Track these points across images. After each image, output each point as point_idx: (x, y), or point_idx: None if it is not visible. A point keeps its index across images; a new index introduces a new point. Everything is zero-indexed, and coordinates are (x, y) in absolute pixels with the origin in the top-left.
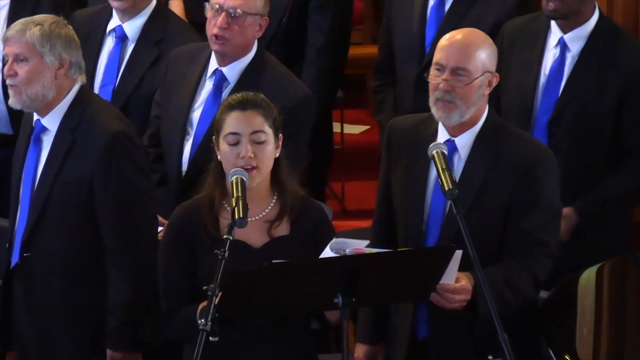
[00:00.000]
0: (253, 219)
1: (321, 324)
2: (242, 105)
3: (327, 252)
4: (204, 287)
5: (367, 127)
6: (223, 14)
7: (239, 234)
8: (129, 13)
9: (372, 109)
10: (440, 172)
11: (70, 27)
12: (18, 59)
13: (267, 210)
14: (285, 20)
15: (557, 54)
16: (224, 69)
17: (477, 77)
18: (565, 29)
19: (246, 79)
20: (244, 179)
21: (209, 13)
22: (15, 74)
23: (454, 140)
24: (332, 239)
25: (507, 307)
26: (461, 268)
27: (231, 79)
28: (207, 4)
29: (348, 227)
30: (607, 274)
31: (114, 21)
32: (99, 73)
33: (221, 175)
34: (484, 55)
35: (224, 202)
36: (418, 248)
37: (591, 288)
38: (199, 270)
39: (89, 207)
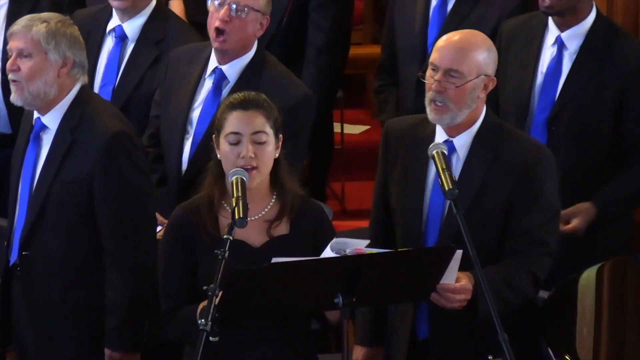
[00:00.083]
0: (252, 218)
1: (321, 324)
2: (244, 105)
3: (328, 252)
4: (204, 287)
5: (367, 127)
6: (225, 7)
7: (239, 233)
8: (128, 13)
9: (374, 108)
10: (441, 172)
11: (75, 27)
12: (22, 54)
13: (266, 210)
14: (286, 20)
15: (555, 53)
16: (224, 68)
17: (470, 80)
18: (562, 27)
19: (246, 78)
20: (244, 179)
21: (211, 7)
22: (18, 69)
23: (452, 140)
24: (332, 238)
25: (507, 307)
26: (461, 268)
27: (231, 78)
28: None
29: (348, 227)
30: (607, 274)
31: (114, 21)
32: (98, 73)
33: (220, 174)
34: (480, 57)
35: (223, 201)
36: (418, 248)
37: (591, 288)
38: (198, 270)
39: (88, 206)
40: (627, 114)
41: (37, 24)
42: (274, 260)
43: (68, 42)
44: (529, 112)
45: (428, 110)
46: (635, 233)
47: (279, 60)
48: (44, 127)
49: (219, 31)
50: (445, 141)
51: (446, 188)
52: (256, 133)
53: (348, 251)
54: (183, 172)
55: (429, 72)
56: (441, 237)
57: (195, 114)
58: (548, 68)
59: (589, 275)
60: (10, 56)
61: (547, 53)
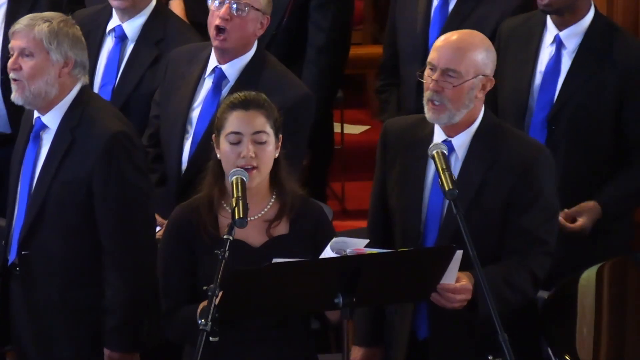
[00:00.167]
0: (252, 218)
1: (321, 324)
2: (244, 105)
3: (328, 252)
4: (204, 287)
5: (367, 127)
6: (226, 5)
7: (238, 233)
8: (128, 12)
9: (376, 108)
10: (441, 172)
11: (77, 27)
12: (24, 53)
13: (266, 210)
14: (286, 20)
15: (553, 52)
16: (224, 67)
17: (468, 80)
18: (561, 26)
19: (246, 78)
20: (244, 179)
21: (211, 6)
22: (20, 68)
23: (451, 140)
24: (331, 238)
25: (507, 306)
26: (461, 268)
27: (231, 77)
28: None
29: (348, 227)
30: (607, 274)
31: (114, 21)
32: (98, 73)
33: (220, 174)
34: (478, 57)
35: (222, 201)
36: (419, 248)
37: (591, 288)
38: (198, 270)
39: (87, 206)
40: (627, 113)
41: (39, 24)
42: (274, 260)
43: (70, 42)
44: (528, 111)
45: (426, 109)
46: (635, 233)
47: (279, 60)
48: (44, 127)
49: (219, 29)
50: (444, 141)
51: (446, 188)
52: (257, 133)
53: (348, 251)
54: (183, 172)
55: (427, 72)
56: (440, 237)
57: (195, 113)
58: (547, 67)
59: (589, 275)
60: (11, 55)
61: (546, 52)
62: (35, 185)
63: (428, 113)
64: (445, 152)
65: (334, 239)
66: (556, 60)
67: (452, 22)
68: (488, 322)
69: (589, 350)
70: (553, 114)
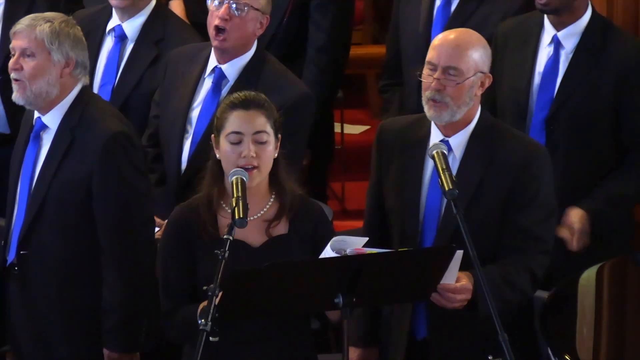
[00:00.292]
0: (251, 218)
1: (322, 322)
2: (245, 105)
3: (328, 251)
4: (204, 287)
5: (367, 127)
6: (225, 5)
7: (238, 233)
8: (128, 12)
9: (375, 108)
10: (441, 172)
11: (78, 27)
12: (25, 53)
13: (265, 210)
14: (286, 20)
15: (551, 52)
16: (224, 67)
17: (469, 77)
18: (558, 26)
19: (245, 77)
20: (244, 178)
21: (211, 6)
22: (21, 68)
23: (448, 140)
24: (331, 238)
25: (506, 306)
26: (460, 267)
27: (230, 77)
28: None
29: (348, 227)
30: (607, 274)
31: (114, 21)
32: (98, 72)
33: (219, 174)
34: (477, 55)
35: (222, 201)
36: (419, 248)
37: (591, 288)
38: (198, 271)
39: (87, 206)
40: (624, 112)
41: (41, 24)
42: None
43: (71, 43)
44: (528, 112)
45: (426, 108)
46: (635, 233)
47: (279, 59)
48: (44, 127)
49: (219, 29)
50: (441, 141)
51: (446, 188)
52: (258, 133)
53: (348, 251)
54: (182, 171)
55: (426, 71)
56: (438, 237)
57: (195, 113)
58: (545, 67)
59: (589, 275)
60: (12, 55)
61: (544, 53)
62: (35, 185)
63: (429, 111)
64: (445, 152)
65: (334, 238)
66: (555, 60)
67: (454, 22)
68: (488, 321)
69: (589, 350)
70: (551, 114)
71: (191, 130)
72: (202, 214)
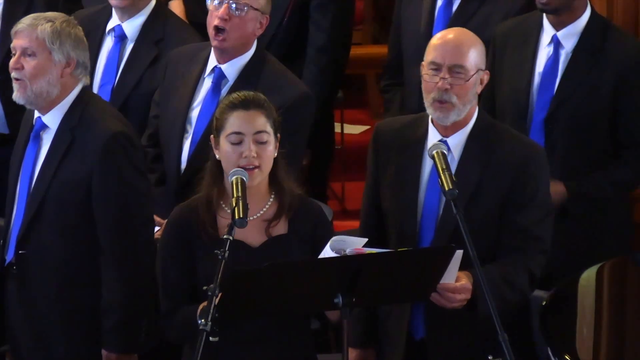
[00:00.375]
0: (251, 218)
1: (322, 322)
2: (245, 105)
3: (327, 251)
4: (204, 287)
5: (367, 127)
6: (225, 5)
7: (237, 233)
8: (128, 12)
9: (375, 108)
10: (441, 172)
11: (79, 27)
12: (26, 53)
13: (264, 209)
14: (286, 20)
15: (551, 52)
16: (223, 67)
17: (473, 75)
18: (557, 26)
19: (245, 77)
20: (244, 178)
21: (210, 6)
22: (22, 68)
23: (446, 140)
24: (330, 237)
25: (506, 305)
26: (460, 267)
27: (230, 77)
28: None
29: (348, 227)
30: (607, 274)
31: (114, 21)
32: (98, 72)
33: (219, 174)
34: (476, 53)
35: (221, 202)
36: (419, 248)
37: (591, 288)
38: (198, 271)
39: (86, 206)
40: (622, 112)
41: (42, 23)
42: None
43: (72, 43)
44: (528, 112)
45: (431, 110)
46: (636, 233)
47: (279, 60)
48: (44, 127)
49: (219, 29)
50: (440, 141)
51: (446, 188)
52: (258, 133)
53: (348, 251)
54: (182, 171)
55: (429, 72)
56: (437, 237)
57: (195, 113)
58: (545, 67)
59: (589, 275)
60: (13, 55)
61: (544, 53)
62: (35, 184)
63: (435, 113)
64: (445, 152)
65: (334, 238)
66: (554, 60)
67: (455, 23)
68: (486, 321)
69: (589, 350)
70: (550, 113)
71: (191, 130)
72: (201, 214)
